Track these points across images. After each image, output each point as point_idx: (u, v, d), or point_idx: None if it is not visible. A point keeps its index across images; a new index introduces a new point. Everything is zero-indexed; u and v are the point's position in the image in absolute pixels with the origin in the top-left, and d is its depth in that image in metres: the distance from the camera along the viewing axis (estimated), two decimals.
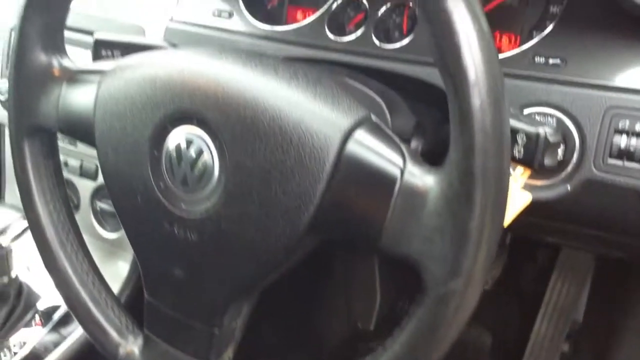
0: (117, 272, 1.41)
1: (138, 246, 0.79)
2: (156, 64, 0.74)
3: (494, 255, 0.57)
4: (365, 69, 0.99)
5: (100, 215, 1.37)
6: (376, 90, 0.87)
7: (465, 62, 0.54)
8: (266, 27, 1.11)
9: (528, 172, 0.76)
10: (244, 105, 0.66)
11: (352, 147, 0.64)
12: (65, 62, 0.82)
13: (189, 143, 0.69)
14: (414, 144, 0.88)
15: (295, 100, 0.66)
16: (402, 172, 0.61)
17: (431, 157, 0.87)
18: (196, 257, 0.72)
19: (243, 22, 1.12)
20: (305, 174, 0.64)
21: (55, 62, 0.82)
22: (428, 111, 0.96)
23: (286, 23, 1.18)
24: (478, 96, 0.54)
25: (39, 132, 0.84)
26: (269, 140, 0.65)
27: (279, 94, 0.66)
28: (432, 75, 0.94)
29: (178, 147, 0.70)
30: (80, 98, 0.80)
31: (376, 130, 0.66)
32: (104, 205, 1.35)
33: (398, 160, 0.62)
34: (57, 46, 0.82)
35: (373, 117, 0.68)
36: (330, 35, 1.05)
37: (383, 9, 1.03)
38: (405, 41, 0.99)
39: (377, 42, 1.01)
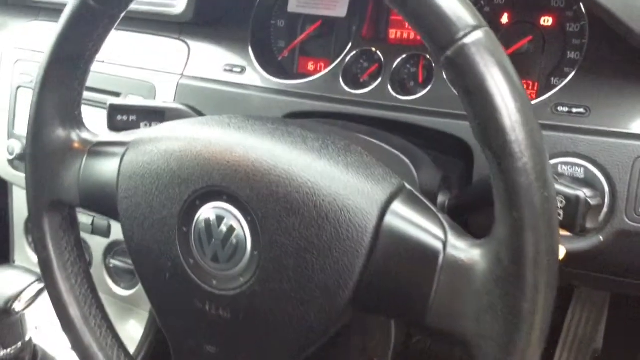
0: (130, 329, 1.38)
1: (167, 322, 0.76)
2: (181, 137, 0.72)
3: (547, 332, 0.55)
4: (382, 121, 0.98)
5: (113, 273, 1.34)
6: (399, 147, 0.86)
7: (509, 139, 0.52)
8: (280, 81, 1.10)
9: (565, 231, 0.74)
10: (276, 182, 0.65)
11: (390, 220, 0.62)
12: (85, 135, 0.81)
13: (220, 219, 0.67)
14: (440, 199, 0.86)
15: (329, 174, 0.65)
16: (445, 246, 0.59)
17: (458, 212, 0.86)
18: (230, 334, 0.70)
19: (256, 77, 1.11)
20: (343, 250, 0.62)
21: (74, 136, 0.80)
22: (450, 162, 0.95)
23: (297, 73, 1.17)
24: (525, 174, 0.52)
25: (59, 207, 0.82)
26: (303, 217, 0.63)
27: (312, 168, 0.65)
28: (450, 126, 0.93)
29: (208, 223, 0.68)
30: (102, 172, 0.78)
31: (413, 200, 0.64)
32: (117, 262, 1.33)
33: (439, 232, 0.60)
34: (75, 120, 0.81)
35: (407, 185, 0.66)
36: (345, 88, 1.04)
37: (398, 60, 1.03)
38: (423, 92, 0.99)
39: (393, 93, 1.01)
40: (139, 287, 1.32)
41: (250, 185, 0.66)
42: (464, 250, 0.59)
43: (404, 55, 1.02)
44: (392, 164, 0.79)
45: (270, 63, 1.16)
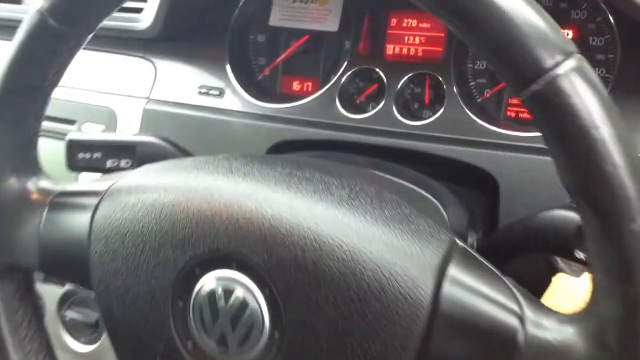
0: None
1: None
2: (172, 186, 0.58)
3: None
4: (389, 150, 0.87)
5: (71, 327, 1.17)
6: (422, 184, 0.74)
7: (624, 197, 0.41)
8: (266, 105, 0.96)
9: None
10: (301, 246, 0.51)
11: (449, 290, 0.49)
12: (44, 183, 0.65)
13: (228, 292, 0.53)
14: (470, 240, 0.75)
15: (367, 233, 0.52)
16: (523, 322, 0.47)
17: (489, 258, 0.74)
18: None
19: (237, 100, 0.98)
20: (392, 331, 0.49)
21: (30, 185, 0.64)
22: (470, 195, 0.84)
23: (280, 94, 1.04)
24: (638, 240, 0.41)
25: (14, 273, 0.66)
26: (339, 289, 0.50)
27: (344, 226, 0.52)
28: (471, 155, 0.82)
29: (212, 297, 0.54)
30: (68, 229, 0.62)
31: (470, 262, 0.52)
32: (75, 314, 1.15)
33: (512, 304, 0.48)
34: (31, 165, 0.65)
35: (459, 242, 0.54)
36: (344, 112, 0.92)
37: (404, 80, 0.91)
38: (435, 116, 0.87)
39: (400, 117, 0.89)
40: (103, 340, 1.15)
41: (267, 249, 0.52)
42: (551, 329, 0.47)
43: (410, 74, 0.91)
44: (420, 206, 0.67)
45: (250, 84, 1.02)
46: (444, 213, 0.71)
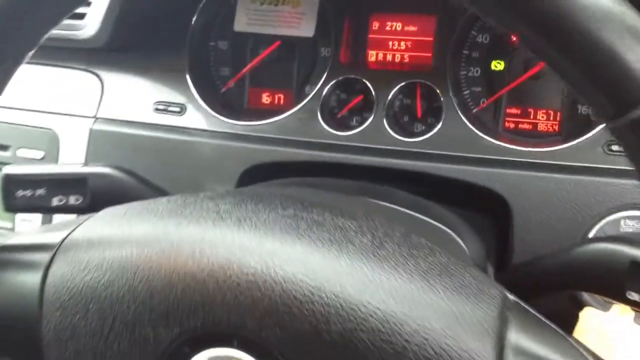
0: None
1: None
2: (144, 240, 0.45)
3: None
4: (383, 170, 0.76)
5: None
6: (435, 215, 0.64)
7: None
8: (235, 122, 0.84)
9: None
10: (324, 316, 0.40)
11: None
12: None
13: None
14: (489, 271, 0.66)
15: (404, 294, 0.41)
16: None
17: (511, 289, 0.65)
18: None
19: (201, 117, 0.85)
20: None
21: None
22: (481, 220, 0.75)
23: (248, 109, 0.92)
24: None
25: None
26: None
27: (376, 286, 0.41)
28: (478, 175, 0.72)
29: None
30: (10, 294, 0.49)
31: (528, 320, 0.42)
32: None
33: None
34: None
35: (509, 295, 0.44)
36: (327, 128, 0.81)
37: (394, 91, 0.81)
38: (432, 132, 0.77)
39: (393, 133, 0.79)
40: None
41: (279, 321, 0.41)
42: None
43: (401, 84, 0.81)
44: (439, 242, 0.57)
45: (213, 98, 0.90)
46: (465, 248, 0.61)
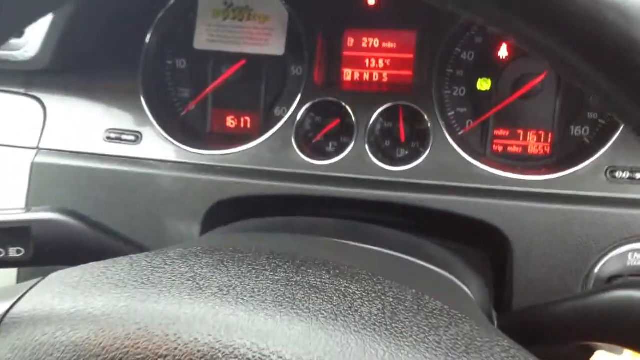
0: None
1: None
2: (106, 318, 0.37)
3: None
4: (364, 203, 0.69)
5: None
6: (434, 260, 0.57)
7: None
8: (198, 151, 0.75)
9: None
10: None
11: None
12: None
13: None
14: (494, 316, 0.59)
15: None
16: None
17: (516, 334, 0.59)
18: None
19: (159, 146, 0.76)
20: None
21: None
22: (474, 255, 0.68)
23: (211, 133, 0.83)
24: None
25: None
26: None
27: None
28: (473, 207, 0.66)
29: None
30: None
31: None
32: None
33: None
34: None
35: None
36: (303, 156, 0.73)
37: (376, 114, 0.73)
38: (420, 159, 0.71)
39: (376, 161, 0.71)
40: None
41: None
42: None
43: (385, 106, 0.73)
44: (446, 293, 0.50)
45: (173, 122, 0.81)
46: (471, 295, 0.54)
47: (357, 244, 0.55)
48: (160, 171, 0.73)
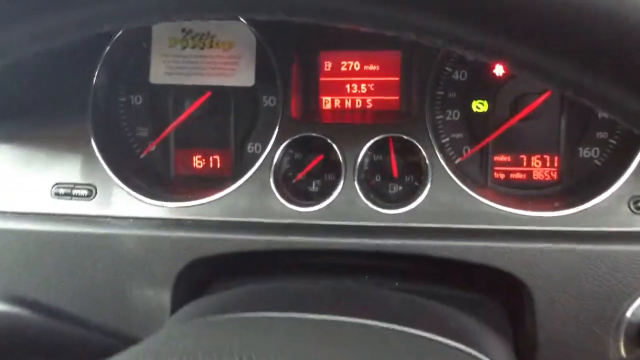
0: None
1: None
2: None
3: None
4: (358, 253, 0.60)
5: None
6: (444, 325, 0.48)
7: None
8: (163, 204, 0.65)
9: None
10: None
11: None
12: None
13: None
14: None
15: None
16: None
17: None
18: None
19: (117, 200, 0.66)
20: None
21: None
22: (490, 308, 0.60)
23: (176, 177, 0.73)
24: None
25: None
26: None
27: None
28: (485, 253, 0.58)
29: None
30: None
31: None
32: None
33: None
34: None
35: None
36: (284, 202, 0.64)
37: (365, 149, 0.65)
38: (420, 198, 0.62)
39: (370, 204, 0.63)
40: None
41: None
42: None
43: (369, 139, 0.65)
44: None
45: (129, 168, 0.70)
46: None
47: (354, 319, 0.46)
48: (120, 230, 0.63)
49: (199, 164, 0.74)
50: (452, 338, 0.46)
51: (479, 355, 0.45)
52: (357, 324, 0.46)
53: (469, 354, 0.44)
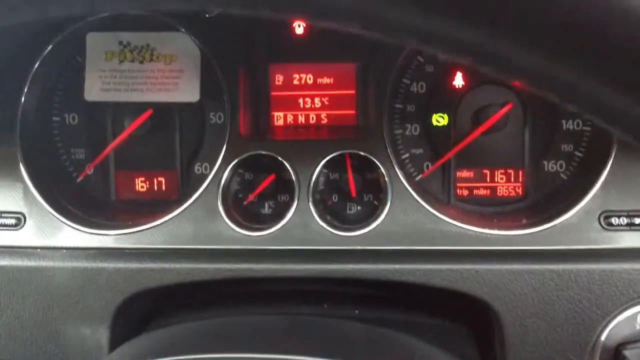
0: None
1: None
2: None
3: None
4: (317, 280, 0.56)
5: None
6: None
7: None
8: (98, 232, 0.59)
9: None
10: None
11: None
12: None
13: None
14: None
15: None
16: None
17: None
18: None
19: (47, 229, 0.60)
20: None
21: None
22: (465, 341, 0.56)
23: (118, 202, 0.67)
24: None
25: None
26: None
27: None
28: (449, 275, 0.54)
29: None
30: None
31: None
32: None
33: None
34: None
35: None
36: (233, 226, 0.58)
37: (319, 167, 0.60)
38: (376, 221, 0.58)
39: (325, 226, 0.58)
40: None
41: None
42: None
43: (324, 157, 0.60)
44: None
45: (64, 194, 0.64)
46: None
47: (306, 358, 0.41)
48: (52, 262, 0.57)
49: (142, 186, 0.68)
50: None
51: None
52: None
53: None
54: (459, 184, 0.66)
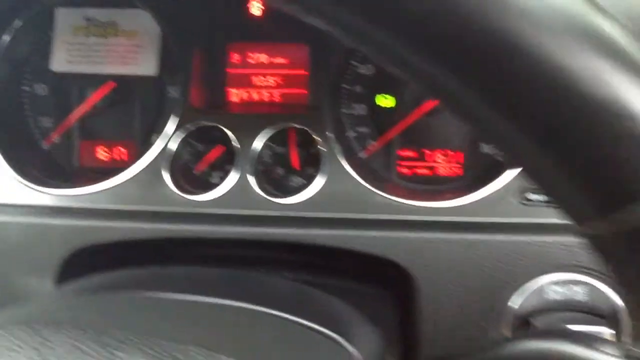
0: None
1: None
2: None
3: None
4: (252, 243, 0.59)
5: None
6: (315, 311, 0.47)
7: None
8: (52, 191, 0.64)
9: None
10: None
11: None
12: None
13: None
14: None
15: None
16: None
17: None
18: None
19: (8, 187, 0.64)
20: None
21: None
22: (374, 295, 0.59)
23: (80, 169, 0.72)
24: None
25: None
26: None
27: None
28: (370, 241, 0.57)
29: None
30: None
31: None
32: None
33: None
34: None
35: None
36: (177, 191, 0.62)
37: (259, 139, 0.64)
38: (311, 190, 0.61)
39: (262, 194, 0.61)
40: None
41: None
42: None
43: (270, 130, 0.64)
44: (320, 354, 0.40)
45: (30, 159, 0.69)
46: (354, 352, 0.45)
47: (225, 301, 0.45)
48: (8, 217, 0.61)
49: (104, 155, 0.72)
50: (317, 322, 0.44)
51: (339, 339, 0.44)
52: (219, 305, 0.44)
53: (329, 337, 0.43)
54: (401, 162, 0.68)
